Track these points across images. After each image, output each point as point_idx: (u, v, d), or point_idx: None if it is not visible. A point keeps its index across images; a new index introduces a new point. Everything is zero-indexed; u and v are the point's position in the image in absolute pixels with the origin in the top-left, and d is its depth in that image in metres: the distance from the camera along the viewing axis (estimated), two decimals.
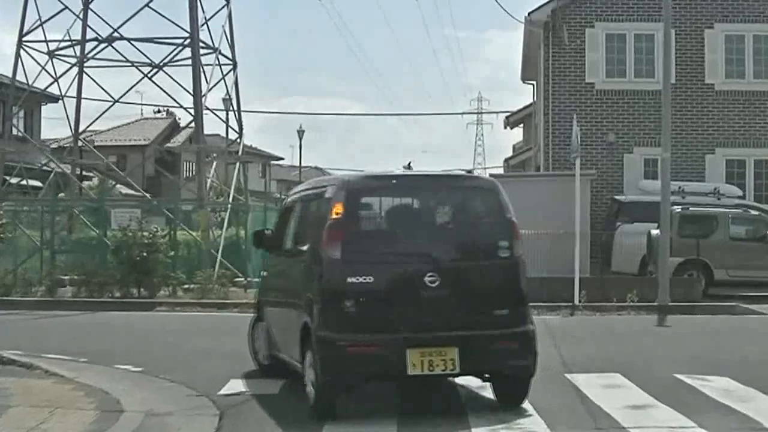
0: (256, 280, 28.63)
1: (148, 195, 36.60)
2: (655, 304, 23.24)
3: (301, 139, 67.21)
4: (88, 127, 36.66)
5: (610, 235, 28.70)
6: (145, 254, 26.60)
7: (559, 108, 32.81)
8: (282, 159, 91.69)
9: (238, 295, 26.47)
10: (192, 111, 30.47)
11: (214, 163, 32.94)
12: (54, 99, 40.59)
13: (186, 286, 27.44)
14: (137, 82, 33.26)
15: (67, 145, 39.46)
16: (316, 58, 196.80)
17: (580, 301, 23.45)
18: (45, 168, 36.16)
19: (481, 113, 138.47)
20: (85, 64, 34.30)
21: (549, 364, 13.47)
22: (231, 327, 19.36)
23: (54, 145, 45.27)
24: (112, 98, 33.94)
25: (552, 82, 33.00)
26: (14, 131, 40.73)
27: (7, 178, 35.40)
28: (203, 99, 30.48)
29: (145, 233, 27.11)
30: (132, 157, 64.74)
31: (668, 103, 25.36)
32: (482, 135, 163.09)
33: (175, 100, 32.64)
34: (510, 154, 61.11)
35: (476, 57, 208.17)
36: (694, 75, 32.50)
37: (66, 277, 27.95)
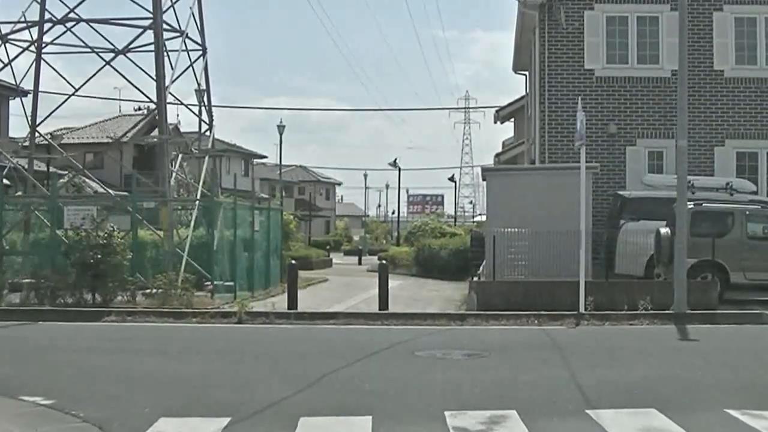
0: (229, 283, 26.24)
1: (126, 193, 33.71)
2: (671, 312, 20.67)
3: (281, 134, 64.24)
4: (44, 120, 33.71)
5: (612, 233, 26.06)
6: (99, 256, 23.98)
7: (556, 97, 30.26)
8: (265, 157, 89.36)
9: (202, 302, 23.83)
10: (155, 99, 27.66)
11: (179, 156, 30.14)
12: (23, 93, 37.92)
13: (147, 291, 24.80)
14: (99, 70, 30.57)
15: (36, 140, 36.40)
16: (302, 59, 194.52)
17: (586, 309, 20.84)
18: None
19: (469, 109, 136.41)
20: (43, 50, 31.49)
21: (564, 394, 10.97)
22: (184, 343, 16.79)
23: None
24: (73, 87, 31.29)
25: (548, 69, 30.40)
26: None
27: None
28: (166, 86, 27.71)
29: (101, 233, 24.45)
30: (109, 154, 62.33)
31: (684, 83, 22.76)
32: (470, 134, 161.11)
33: (138, 89, 29.85)
34: (499, 150, 58.44)
35: (462, 57, 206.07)
36: (702, 61, 29.94)
37: (25, 281, 25.20)
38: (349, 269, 53.34)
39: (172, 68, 28.64)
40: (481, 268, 27.49)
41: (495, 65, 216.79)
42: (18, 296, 24.56)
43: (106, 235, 24.40)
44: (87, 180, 47.29)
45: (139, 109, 67.28)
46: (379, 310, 22.67)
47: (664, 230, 23.90)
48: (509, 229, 23.77)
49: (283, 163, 74.79)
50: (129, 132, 62.81)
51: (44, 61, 31.45)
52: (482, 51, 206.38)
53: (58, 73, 31.44)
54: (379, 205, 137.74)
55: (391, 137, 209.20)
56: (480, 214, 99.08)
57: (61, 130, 62.70)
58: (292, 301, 23.25)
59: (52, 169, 39.59)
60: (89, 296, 24.16)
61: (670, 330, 19.14)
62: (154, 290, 24.32)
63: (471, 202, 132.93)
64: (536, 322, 20.22)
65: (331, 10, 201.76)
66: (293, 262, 25.27)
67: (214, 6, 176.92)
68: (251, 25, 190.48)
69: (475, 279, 25.27)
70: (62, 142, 46.73)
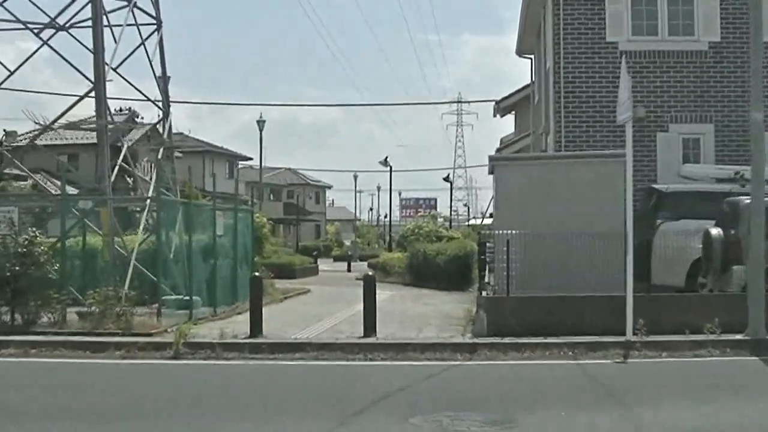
0: (184, 298, 21.63)
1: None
2: (744, 337, 16.00)
3: (261, 130, 59.66)
4: None
5: (647, 236, 21.35)
6: (17, 268, 19.36)
7: (573, 75, 25.69)
8: (250, 159, 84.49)
9: (144, 324, 19.15)
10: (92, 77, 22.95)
11: (124, 146, 25.34)
12: None
13: (82, 309, 20.16)
14: (37, 49, 25.82)
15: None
16: (294, 62, 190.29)
17: (635, 334, 16.08)
18: None
19: (462, 102, 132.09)
20: None
21: None
22: (76, 395, 12.17)
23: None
24: (8, 70, 26.53)
25: (563, 43, 25.79)
26: None
27: None
28: (104, 62, 23.02)
29: (21, 240, 19.85)
30: (84, 156, 58.15)
31: (759, 41, 18.25)
32: (462, 136, 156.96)
33: (79, 70, 24.99)
34: (498, 147, 53.78)
35: (453, 60, 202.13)
36: (746, 32, 25.29)
37: None
38: (337, 277, 48.83)
39: (115, 42, 23.92)
40: (487, 278, 22.84)
41: (486, 68, 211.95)
42: None
43: (25, 241, 19.78)
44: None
45: (121, 110, 63.01)
46: (364, 336, 18.09)
47: (714, 231, 19.35)
48: (526, 232, 18.99)
49: (271, 165, 70.42)
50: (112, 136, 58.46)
51: None
52: (473, 54, 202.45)
53: None
54: (371, 209, 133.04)
55: (382, 140, 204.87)
56: (474, 217, 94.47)
57: (33, 131, 58.45)
58: (255, 324, 18.52)
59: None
60: (7, 317, 19.61)
61: (754, 365, 14.38)
62: (89, 309, 19.74)
63: (465, 205, 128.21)
64: (570, 353, 15.48)
65: (321, 11, 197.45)
66: (256, 275, 20.35)
67: (204, 5, 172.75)
68: (238, 26, 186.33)
69: (484, 293, 20.44)
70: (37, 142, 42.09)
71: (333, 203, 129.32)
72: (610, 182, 18.94)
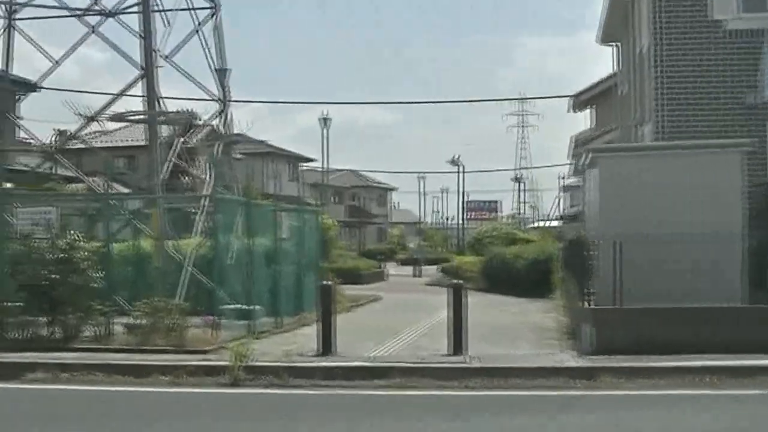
0: (244, 308, 19.27)
1: None
2: None
3: (327, 128, 57.38)
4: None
5: (764, 237, 18.62)
6: (55, 276, 17.15)
7: (674, 58, 22.97)
8: (313, 160, 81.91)
9: (198, 339, 16.83)
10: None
11: (176, 141, 22.99)
12: (33, 87, 31.52)
13: (130, 321, 17.89)
14: (85, 36, 23.69)
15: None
16: (355, 66, 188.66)
17: None
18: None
19: (526, 99, 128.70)
20: (16, 16, 24.85)
21: None
22: None
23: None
24: (54, 61, 24.52)
25: (662, 21, 23.10)
26: None
27: None
28: (156, 49, 20.80)
29: (61, 243, 17.65)
30: (141, 159, 56.54)
31: None
32: (527, 138, 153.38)
33: (125, 55, 22.72)
34: (554, 153, 50.94)
35: (512, 61, 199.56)
36: None
37: None
38: (405, 283, 46.45)
39: (165, 25, 21.66)
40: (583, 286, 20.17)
41: (545, 70, 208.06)
42: None
43: (66, 245, 17.56)
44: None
45: (178, 110, 61.25)
46: (452, 353, 15.71)
47: None
48: (638, 233, 16.31)
49: (333, 167, 68.26)
50: (169, 137, 56.72)
51: (16, 29, 24.80)
52: (532, 55, 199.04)
53: (35, 45, 24.69)
54: (437, 211, 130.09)
55: (443, 143, 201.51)
56: (541, 220, 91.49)
57: (94, 132, 56.73)
58: (326, 340, 16.06)
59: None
60: (45, 330, 17.46)
61: None
62: (137, 321, 17.50)
63: (533, 207, 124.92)
64: (708, 379, 12.85)
65: (382, 13, 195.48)
66: (326, 283, 17.78)
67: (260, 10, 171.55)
68: (299, 29, 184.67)
69: (587, 305, 17.71)
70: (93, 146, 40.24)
71: (398, 205, 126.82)
72: (728, 176, 16.38)
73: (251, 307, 19.47)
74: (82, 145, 26.23)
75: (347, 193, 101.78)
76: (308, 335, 17.97)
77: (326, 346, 16.05)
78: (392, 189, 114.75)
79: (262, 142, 48.17)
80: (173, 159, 21.97)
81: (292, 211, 23.75)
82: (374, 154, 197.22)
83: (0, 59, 25.60)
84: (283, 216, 22.23)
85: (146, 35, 20.95)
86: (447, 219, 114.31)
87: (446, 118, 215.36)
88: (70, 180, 37.30)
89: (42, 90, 33.97)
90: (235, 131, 24.85)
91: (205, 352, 15.92)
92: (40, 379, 14.03)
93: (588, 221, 21.90)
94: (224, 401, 12.69)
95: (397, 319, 23.34)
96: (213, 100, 24.35)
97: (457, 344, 15.99)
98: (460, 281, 17.73)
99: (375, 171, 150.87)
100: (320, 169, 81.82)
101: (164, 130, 23.05)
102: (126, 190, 39.72)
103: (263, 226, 21.24)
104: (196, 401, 12.81)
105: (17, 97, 34.03)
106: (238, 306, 19.46)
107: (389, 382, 13.67)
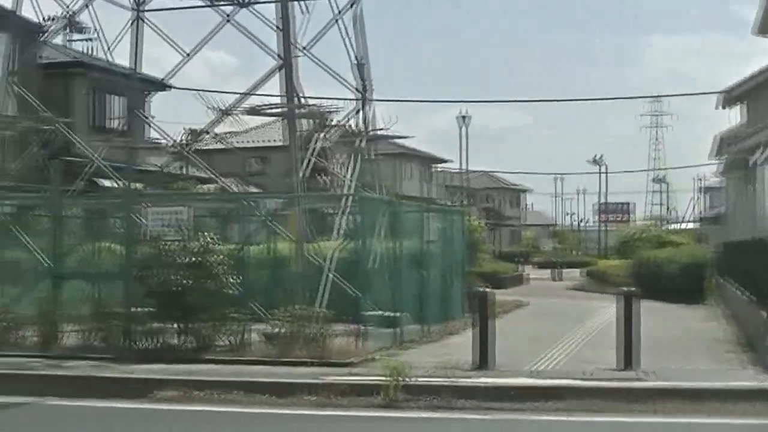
0: (389, 315, 17.72)
1: None
2: None
3: (462, 126, 55.54)
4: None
5: None
6: (187, 282, 15.86)
7: None
8: (450, 161, 79.90)
9: (342, 349, 15.34)
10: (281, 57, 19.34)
11: (315, 138, 21.50)
12: (163, 86, 30.77)
13: (267, 329, 16.51)
14: (219, 26, 22.46)
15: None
16: (484, 70, 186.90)
17: None
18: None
19: (663, 97, 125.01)
20: (144, 8, 23.82)
21: None
22: None
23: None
24: (185, 54, 23.39)
25: None
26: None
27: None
28: (294, 40, 19.43)
29: (193, 246, 16.37)
30: (275, 159, 55.89)
31: None
32: (662, 136, 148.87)
33: (263, 46, 21.43)
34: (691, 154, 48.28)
35: (643, 61, 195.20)
36: None
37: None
38: (546, 287, 44.52)
39: (303, 12, 20.25)
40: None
41: (679, 69, 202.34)
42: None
43: (199, 248, 16.27)
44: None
45: (318, 105, 60.32)
46: (624, 368, 14.09)
47: None
48: None
49: (466, 168, 66.48)
50: (300, 137, 55.86)
51: (145, 21, 23.74)
52: (662, 54, 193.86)
53: (164, 37, 23.57)
54: (572, 213, 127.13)
55: (577, 146, 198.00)
56: (675, 222, 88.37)
57: (227, 133, 56.00)
58: (484, 353, 14.41)
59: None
60: (176, 339, 16.22)
61: None
62: (275, 330, 16.10)
63: (673, 209, 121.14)
64: None
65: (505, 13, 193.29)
66: (483, 289, 16.05)
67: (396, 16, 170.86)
68: (428, 33, 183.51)
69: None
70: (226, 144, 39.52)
71: (532, 207, 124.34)
72: None
73: (397, 314, 17.96)
74: (214, 144, 25.06)
75: (480, 195, 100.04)
76: (459, 345, 16.54)
77: (483, 358, 14.42)
78: (526, 190, 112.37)
79: (405, 137, 46.80)
80: (313, 156, 20.48)
81: (438, 211, 22.15)
82: (504, 155, 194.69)
83: (128, 58, 24.66)
84: (430, 217, 20.69)
85: (284, 24, 19.56)
86: (581, 221, 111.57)
87: (574, 119, 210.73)
88: (201, 181, 36.46)
89: (172, 89, 33.54)
90: (379, 126, 23.26)
91: (350, 364, 14.41)
92: (170, 399, 12.61)
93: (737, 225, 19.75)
94: (384, 428, 11.11)
95: (548, 328, 21.66)
96: (355, 96, 22.72)
97: (628, 358, 14.36)
98: (633, 290, 15.84)
99: (508, 172, 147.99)
100: (453, 170, 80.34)
101: (302, 126, 21.59)
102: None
103: (409, 228, 19.77)
104: (352, 428, 11.29)
105: (146, 95, 33.38)
106: (383, 313, 17.93)
107: (569, 407, 11.92)
